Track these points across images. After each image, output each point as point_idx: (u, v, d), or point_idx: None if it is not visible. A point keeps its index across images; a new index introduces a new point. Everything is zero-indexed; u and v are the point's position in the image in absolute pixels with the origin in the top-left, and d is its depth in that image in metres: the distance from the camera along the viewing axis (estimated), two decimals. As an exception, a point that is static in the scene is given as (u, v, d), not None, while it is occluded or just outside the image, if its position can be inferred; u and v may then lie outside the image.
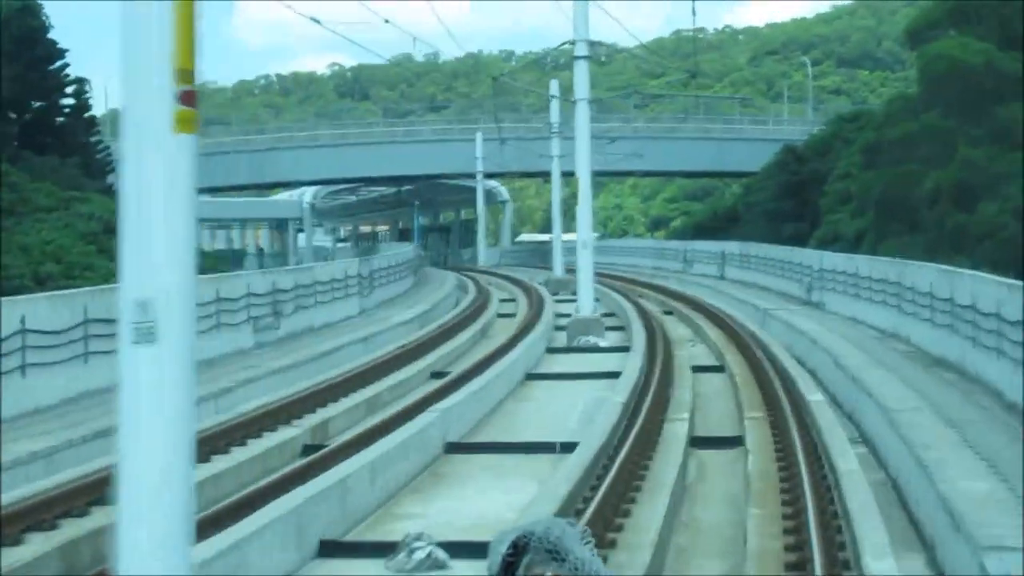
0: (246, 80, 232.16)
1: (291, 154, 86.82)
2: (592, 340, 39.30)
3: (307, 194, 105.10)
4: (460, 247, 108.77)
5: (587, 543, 2.34)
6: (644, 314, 44.58)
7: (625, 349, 34.79)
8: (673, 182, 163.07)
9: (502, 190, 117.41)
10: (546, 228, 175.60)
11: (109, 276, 34.09)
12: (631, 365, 29.09)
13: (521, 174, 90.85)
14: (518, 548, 2.37)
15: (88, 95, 79.63)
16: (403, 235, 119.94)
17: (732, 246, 63.79)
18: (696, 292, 56.40)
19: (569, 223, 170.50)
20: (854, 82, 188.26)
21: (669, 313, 50.53)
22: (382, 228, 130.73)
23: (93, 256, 43.67)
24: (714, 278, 64.89)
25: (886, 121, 53.28)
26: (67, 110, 66.02)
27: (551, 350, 37.86)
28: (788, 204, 68.19)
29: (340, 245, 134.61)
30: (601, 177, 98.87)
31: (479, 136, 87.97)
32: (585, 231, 40.29)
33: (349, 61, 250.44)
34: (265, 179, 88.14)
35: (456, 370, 30.90)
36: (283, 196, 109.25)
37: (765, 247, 56.79)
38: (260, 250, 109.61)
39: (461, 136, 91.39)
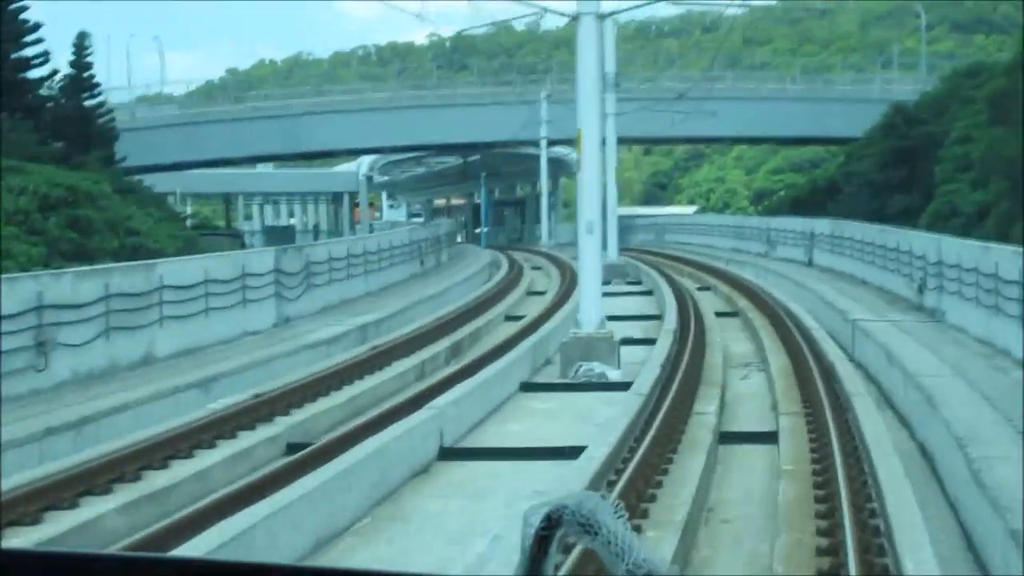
0: (342, 52, 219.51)
1: (328, 120, 73.52)
2: (596, 369, 25.61)
3: (363, 165, 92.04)
4: (537, 222, 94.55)
5: (620, 516, 1.59)
6: (690, 316, 31.52)
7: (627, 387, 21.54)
8: (777, 153, 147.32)
9: (574, 157, 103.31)
10: (647, 201, 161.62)
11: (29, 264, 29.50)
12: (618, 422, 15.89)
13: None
14: (551, 522, 1.64)
15: (89, 50, 67.35)
16: (476, 211, 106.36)
17: (822, 225, 49.41)
18: (771, 284, 42.68)
19: (672, 195, 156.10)
20: (969, 47, 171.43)
21: (732, 315, 36.51)
22: (458, 202, 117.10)
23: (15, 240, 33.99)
24: (800, 264, 50.61)
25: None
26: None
27: (528, 387, 24.59)
28: (896, 173, 55.83)
29: (414, 220, 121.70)
30: (663, 144, 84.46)
31: (543, 99, 74.08)
32: (591, 210, 26.67)
33: (448, 31, 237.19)
34: (300, 148, 74.94)
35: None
36: (344, 168, 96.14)
37: (862, 227, 42.50)
38: (315, 226, 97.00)
39: (524, 100, 77.31)
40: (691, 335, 29.68)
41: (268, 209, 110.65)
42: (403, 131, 76.17)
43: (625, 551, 1.62)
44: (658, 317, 34.35)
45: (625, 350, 27.47)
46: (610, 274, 51.51)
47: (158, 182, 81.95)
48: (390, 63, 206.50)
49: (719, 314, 37.14)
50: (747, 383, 25.22)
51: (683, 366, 24.34)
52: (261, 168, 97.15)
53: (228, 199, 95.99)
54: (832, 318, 32.67)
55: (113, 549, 11.57)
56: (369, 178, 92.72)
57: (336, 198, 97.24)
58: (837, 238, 45.63)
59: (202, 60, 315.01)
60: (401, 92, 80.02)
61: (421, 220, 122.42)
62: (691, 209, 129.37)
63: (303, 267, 32.43)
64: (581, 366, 26.11)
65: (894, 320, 29.73)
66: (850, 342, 29.12)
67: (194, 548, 11.09)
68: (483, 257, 63.39)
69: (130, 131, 74.33)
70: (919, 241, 33.34)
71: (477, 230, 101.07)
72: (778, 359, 26.28)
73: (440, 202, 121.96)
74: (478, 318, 34.76)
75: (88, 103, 65.70)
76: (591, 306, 26.72)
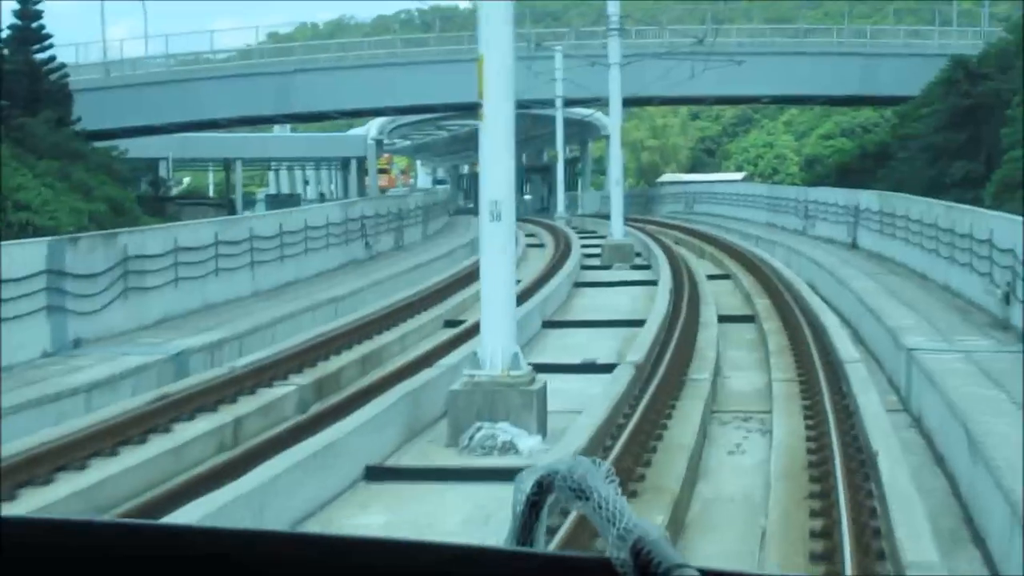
0: (384, 15, 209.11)
1: (322, 78, 63.55)
2: (502, 436, 15.76)
3: (372, 128, 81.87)
4: (565, 190, 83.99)
5: (611, 482, 1.57)
6: (689, 323, 21.76)
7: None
8: (829, 118, 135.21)
9: (606, 122, 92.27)
10: (694, 168, 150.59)
11: None
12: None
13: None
14: (543, 487, 1.67)
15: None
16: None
17: (869, 198, 38.71)
18: (803, 273, 32.25)
19: (719, 162, 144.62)
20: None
21: (746, 320, 26.47)
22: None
23: None
24: (842, 246, 39.97)
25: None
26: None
27: (378, 474, 14.56)
28: (956, 136, 47.64)
29: (439, 187, 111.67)
30: (686, 103, 73.83)
31: (558, 55, 63.84)
32: (498, 184, 16.19)
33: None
34: (291, 109, 64.90)
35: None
36: (358, 131, 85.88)
37: (921, 204, 31.85)
38: (321, 195, 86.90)
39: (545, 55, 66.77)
40: (675, 354, 19.65)
41: (283, 175, 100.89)
42: (406, 91, 66.05)
43: (615, 516, 1.53)
44: (642, 324, 24.25)
45: (574, 384, 17.55)
46: (612, 257, 41.46)
47: (149, 147, 72.64)
48: (433, 27, 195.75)
49: (727, 319, 26.93)
50: (733, 464, 15.02)
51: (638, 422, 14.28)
52: (275, 131, 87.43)
53: (228, 165, 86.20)
54: (878, 337, 22.43)
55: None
56: (379, 142, 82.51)
57: (345, 163, 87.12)
58: (888, 215, 34.97)
59: (247, 25, 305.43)
60: (397, 49, 69.70)
61: (446, 187, 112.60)
62: (739, 176, 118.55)
63: (118, 262, 22.08)
64: (479, 429, 16.08)
65: (969, 349, 19.20)
66: (903, 381, 18.80)
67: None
68: (471, 233, 53.35)
69: (104, 90, 65.11)
70: (1004, 226, 22.57)
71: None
72: (788, 419, 16.03)
73: (470, 168, 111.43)
74: (394, 328, 24.65)
75: (38, 57, 56.55)
76: (498, 335, 16.58)
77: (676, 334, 22.81)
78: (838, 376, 18.16)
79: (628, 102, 76.55)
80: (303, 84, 64.25)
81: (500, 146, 16.65)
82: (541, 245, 50.04)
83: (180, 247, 24.18)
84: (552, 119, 77.15)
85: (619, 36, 44.53)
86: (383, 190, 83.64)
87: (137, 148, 69.02)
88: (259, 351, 20.46)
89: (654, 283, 33.64)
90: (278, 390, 18.28)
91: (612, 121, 46.32)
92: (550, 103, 68.25)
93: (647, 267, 39.50)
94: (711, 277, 35.55)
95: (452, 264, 38.14)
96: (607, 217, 69.37)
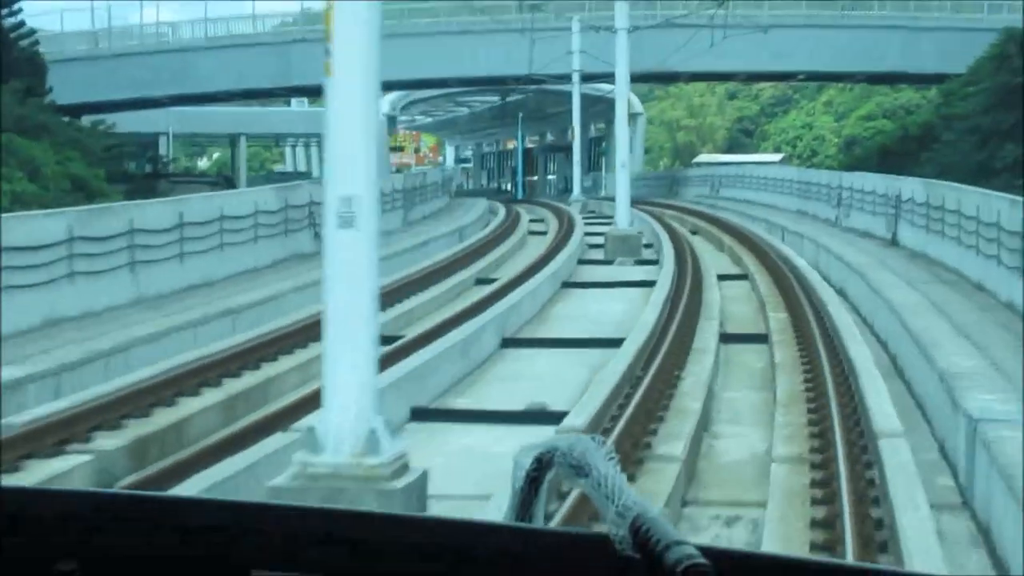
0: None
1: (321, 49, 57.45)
2: None
3: (384, 104, 75.87)
4: (586, 171, 77.74)
5: (611, 459, 1.55)
6: (679, 343, 15.62)
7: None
8: (870, 98, 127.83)
9: (632, 99, 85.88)
10: (731, 148, 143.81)
11: None
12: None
13: (641, 76, 60.53)
14: (542, 463, 1.65)
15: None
16: (527, 156, 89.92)
17: (913, 187, 32.36)
18: (832, 275, 26.37)
19: (757, 143, 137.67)
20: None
21: (757, 340, 20.51)
22: (512, 146, 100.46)
23: None
24: (879, 242, 33.72)
25: None
26: None
27: None
28: (1007, 117, 42.27)
29: (462, 166, 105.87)
30: (705, 79, 67.65)
31: (575, 24, 57.80)
32: (352, 178, 9.94)
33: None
34: (291, 82, 59.05)
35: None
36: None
37: (973, 195, 25.66)
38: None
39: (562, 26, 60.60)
40: (647, 398, 13.85)
41: (300, 152, 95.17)
42: (416, 64, 60.06)
43: (615, 493, 1.52)
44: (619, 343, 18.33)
45: (504, 445, 12.19)
46: (616, 249, 35.40)
47: (147, 122, 67.23)
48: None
49: (732, 339, 21.00)
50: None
51: None
52: (293, 105, 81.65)
53: (233, 141, 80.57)
54: (924, 382, 16.36)
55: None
56: (391, 118, 76.52)
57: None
58: (936, 208, 28.70)
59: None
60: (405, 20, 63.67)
61: (469, 166, 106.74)
62: (777, 157, 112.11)
63: None
64: None
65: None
66: (963, 463, 12.71)
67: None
68: (469, 217, 47.36)
69: (92, 60, 59.58)
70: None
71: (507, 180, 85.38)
72: (786, 527, 10.13)
73: (494, 147, 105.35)
74: (283, 357, 18.67)
75: (6, 22, 51.07)
76: (347, 401, 10.65)
77: (655, 364, 16.90)
78: (868, 455, 12.19)
79: (651, 77, 70.52)
80: (304, 55, 58.43)
81: (356, 114, 10.82)
82: (543, 233, 44.04)
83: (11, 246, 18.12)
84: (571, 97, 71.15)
85: (627, -1, 38.52)
86: (400, 169, 77.93)
87: (136, 123, 63.74)
88: (74, 394, 14.52)
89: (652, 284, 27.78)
90: (57, 463, 12.36)
91: (618, 94, 40.43)
92: (568, 79, 62.30)
93: (655, 263, 33.44)
94: (724, 278, 29.60)
95: (422, 258, 32.19)
96: (637, 201, 63.47)
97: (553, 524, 6.44)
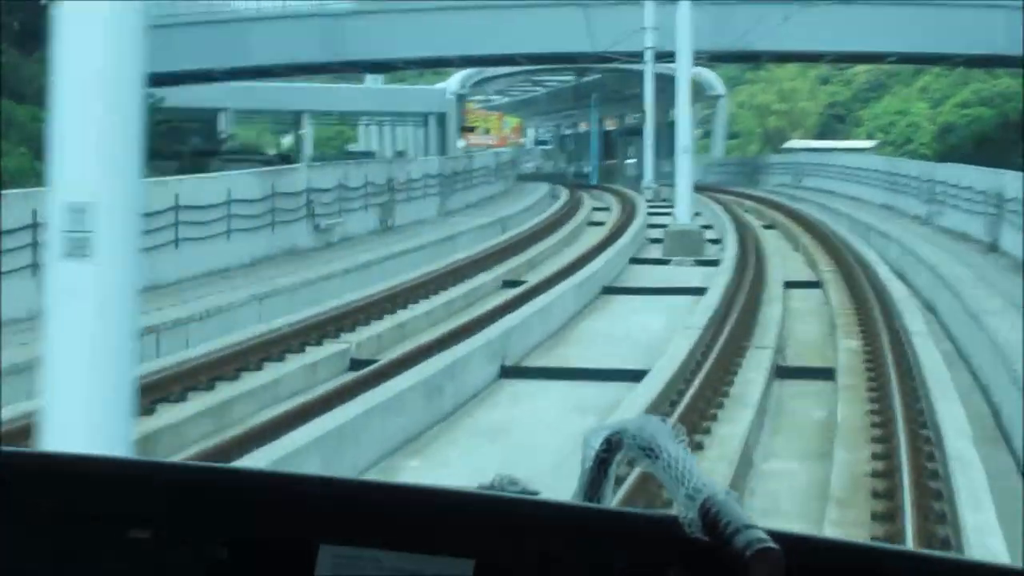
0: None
1: (378, 22, 53.21)
2: None
3: (453, 82, 71.36)
4: (661, 156, 72.53)
5: (680, 441, 1.53)
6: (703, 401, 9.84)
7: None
8: (967, 85, 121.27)
9: (712, 80, 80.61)
10: (822, 135, 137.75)
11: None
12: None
13: (720, 55, 55.78)
14: (611, 445, 1.62)
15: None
16: (605, 139, 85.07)
17: (1019, 185, 27.10)
18: (920, 286, 21.50)
19: (849, 129, 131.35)
20: None
21: (820, 377, 15.45)
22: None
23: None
24: (977, 246, 28.63)
25: None
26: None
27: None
28: None
29: (541, 148, 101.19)
30: (765, 59, 62.16)
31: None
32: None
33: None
34: (345, 56, 54.52)
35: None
36: (443, 85, 75.28)
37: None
38: (398, 153, 76.49)
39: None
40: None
41: (372, 131, 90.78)
42: (480, 39, 55.39)
43: (684, 475, 1.49)
44: (641, 376, 13.77)
45: None
46: (676, 248, 30.68)
47: (206, 98, 63.36)
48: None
49: (790, 373, 16.34)
50: None
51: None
52: (367, 82, 77.42)
53: (298, 119, 76.32)
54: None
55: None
56: (460, 96, 71.89)
57: (423, 120, 76.58)
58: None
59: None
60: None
61: (549, 148, 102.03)
62: (870, 143, 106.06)
63: None
64: None
65: None
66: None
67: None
68: (520, 204, 42.69)
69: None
70: None
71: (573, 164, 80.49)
72: None
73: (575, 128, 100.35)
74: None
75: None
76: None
77: (680, 410, 12.34)
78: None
79: (730, 57, 65.26)
80: (359, 28, 54.07)
81: (96, 63, 6.29)
82: (602, 224, 39.34)
83: None
84: (656, 77, 66.16)
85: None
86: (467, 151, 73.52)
87: (194, 98, 60.00)
88: None
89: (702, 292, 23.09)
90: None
91: (679, 69, 35.61)
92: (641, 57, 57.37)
93: (717, 263, 28.69)
94: (794, 285, 24.89)
95: (443, 255, 27.66)
96: (709, 189, 58.60)
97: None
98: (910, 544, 8.74)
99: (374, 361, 16.49)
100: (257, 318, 17.87)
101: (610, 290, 25.05)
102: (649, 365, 15.51)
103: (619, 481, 8.49)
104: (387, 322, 19.14)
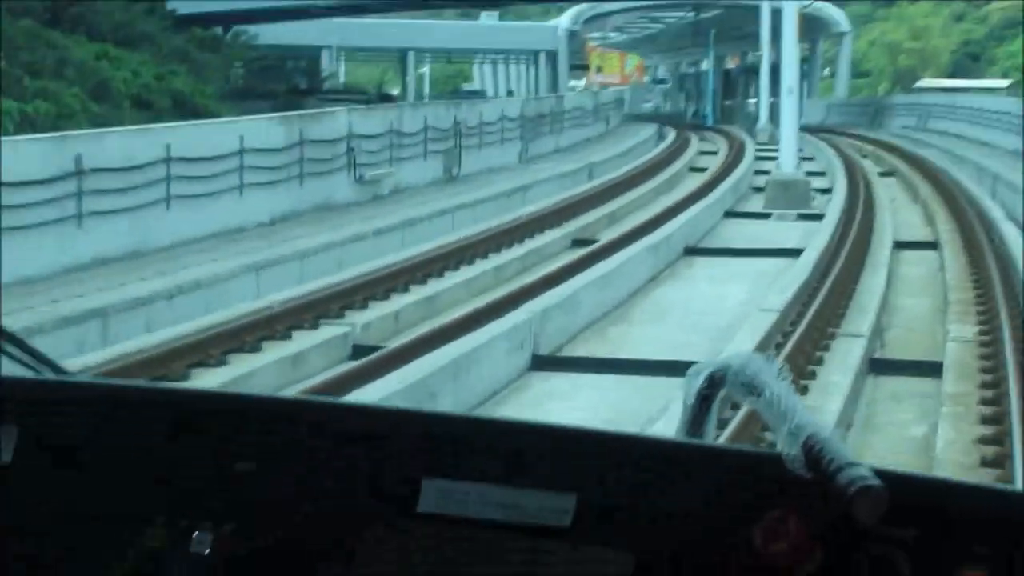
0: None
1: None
2: None
3: (565, 18, 67.64)
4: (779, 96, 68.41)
5: (784, 378, 1.52)
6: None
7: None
8: None
9: (837, 17, 75.76)
10: (954, 73, 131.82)
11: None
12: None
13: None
14: (714, 382, 1.63)
15: None
16: (725, 78, 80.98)
17: None
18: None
19: (983, 68, 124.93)
20: None
21: (926, 373, 11.99)
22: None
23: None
24: None
25: None
26: None
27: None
28: None
29: (659, 87, 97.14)
30: None
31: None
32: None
33: None
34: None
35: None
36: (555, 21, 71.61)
37: None
38: (509, 91, 73.22)
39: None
40: None
41: (487, 69, 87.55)
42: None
43: (788, 412, 1.47)
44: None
45: None
46: (778, 199, 27.25)
47: (306, 35, 60.72)
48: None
49: (884, 366, 13.09)
50: None
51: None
52: (483, 18, 74.32)
53: (403, 57, 73.20)
54: None
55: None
56: (572, 33, 68.14)
57: (532, 58, 73.03)
58: None
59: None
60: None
61: (667, 87, 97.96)
62: (1004, 83, 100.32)
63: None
64: None
65: None
66: None
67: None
68: (619, 147, 39.11)
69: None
70: None
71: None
72: None
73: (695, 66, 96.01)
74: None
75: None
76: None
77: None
78: None
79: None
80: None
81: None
82: (703, 169, 35.88)
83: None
84: (774, 12, 61.92)
85: None
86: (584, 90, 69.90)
87: (297, 36, 57.56)
88: None
89: (796, 254, 19.75)
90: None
91: (787, 4, 31.87)
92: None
93: (820, 218, 25.19)
94: (905, 246, 21.46)
95: (512, 207, 24.47)
96: (827, 131, 54.60)
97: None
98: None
99: (380, 348, 13.50)
100: (249, 293, 14.98)
101: (693, 251, 21.77)
102: (708, 358, 12.25)
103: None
104: (412, 295, 16.10)
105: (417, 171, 27.05)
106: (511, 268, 18.91)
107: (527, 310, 13.76)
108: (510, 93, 71.81)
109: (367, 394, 10.57)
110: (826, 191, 29.89)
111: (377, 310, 15.18)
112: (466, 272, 17.84)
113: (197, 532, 1.69)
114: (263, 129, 21.08)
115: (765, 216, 26.98)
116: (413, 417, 1.74)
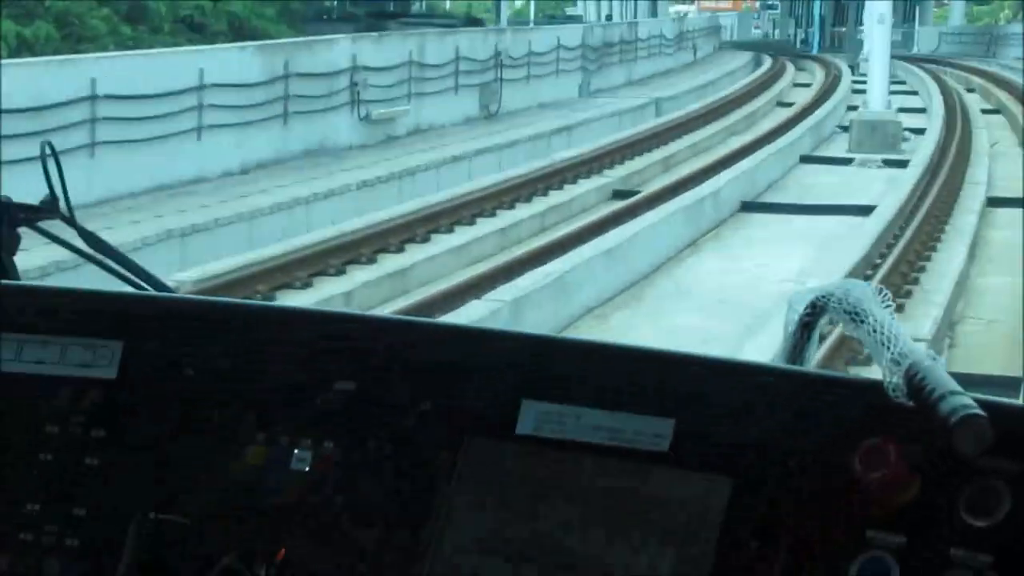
0: None
1: None
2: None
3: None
4: (898, 23, 63.71)
5: (887, 306, 1.51)
6: None
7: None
8: None
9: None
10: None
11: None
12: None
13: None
14: (815, 308, 1.61)
15: None
16: (837, 2, 76.55)
17: None
18: None
19: None
20: None
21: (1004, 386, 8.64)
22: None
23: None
24: None
25: None
26: None
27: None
28: None
29: (768, 13, 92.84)
30: None
31: None
32: None
33: None
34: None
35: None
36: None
37: None
38: (607, 18, 69.47)
39: None
40: None
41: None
42: None
43: (890, 340, 1.44)
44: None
45: None
46: (864, 141, 23.94)
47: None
48: None
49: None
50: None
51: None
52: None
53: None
54: None
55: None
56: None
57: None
58: None
59: None
60: None
61: (776, 13, 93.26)
62: None
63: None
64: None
65: None
66: None
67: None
68: (666, 88, 35.26)
69: None
70: None
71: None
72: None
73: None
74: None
75: None
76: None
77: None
78: None
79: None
80: None
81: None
82: (789, 104, 32.40)
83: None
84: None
85: None
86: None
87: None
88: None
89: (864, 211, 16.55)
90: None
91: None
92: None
93: (905, 164, 21.76)
94: (999, 202, 18.23)
95: (531, 156, 21.22)
96: (934, 62, 50.43)
97: None
98: None
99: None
100: (158, 269, 12.17)
101: (750, 206, 18.57)
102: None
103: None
104: (387, 264, 13.14)
105: (445, 108, 23.83)
106: (526, 227, 15.88)
107: (493, 299, 10.75)
108: (608, 19, 68.16)
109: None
110: (919, 131, 26.35)
111: (333, 286, 12.28)
112: (452, 239, 14.74)
113: (297, 450, 1.70)
114: (233, 60, 17.99)
115: (846, 162, 23.60)
116: (513, 339, 1.74)
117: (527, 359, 1.67)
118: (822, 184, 21.04)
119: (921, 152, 21.82)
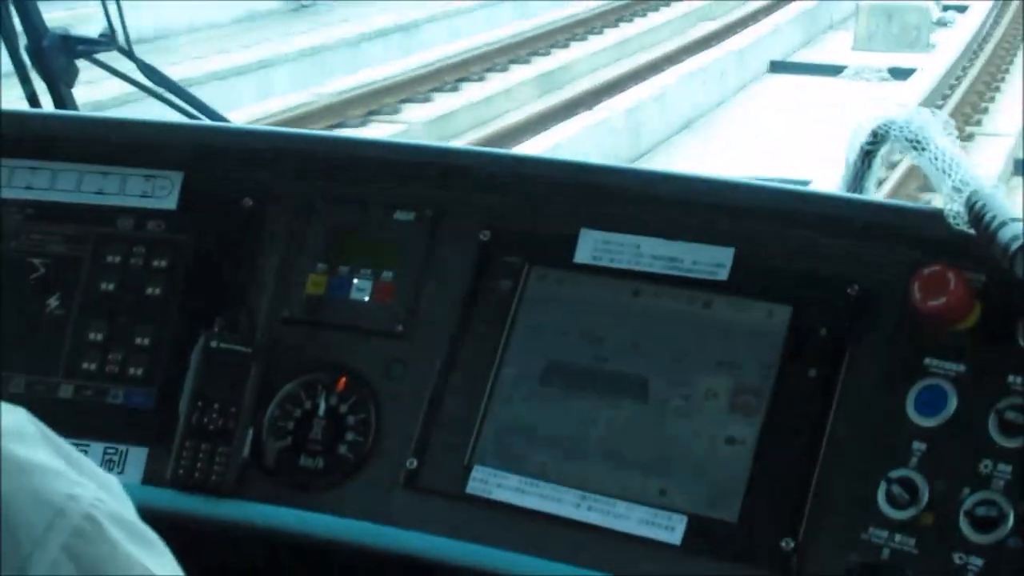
0: None
1: None
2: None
3: None
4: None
5: (950, 134, 1.48)
6: None
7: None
8: None
9: None
10: None
11: None
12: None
13: None
14: (877, 137, 1.59)
15: None
16: None
17: None
18: None
19: None
20: None
21: None
22: None
23: None
24: None
25: None
26: None
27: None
28: None
29: None
30: None
31: None
32: None
33: None
34: None
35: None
36: None
37: None
38: None
39: None
40: None
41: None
42: None
43: (951, 168, 1.41)
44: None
45: None
46: (873, 35, 18.31)
47: None
48: None
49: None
50: None
51: None
52: None
53: None
54: None
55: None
56: None
57: None
58: None
59: None
60: None
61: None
62: None
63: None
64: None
65: None
66: None
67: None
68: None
69: None
70: None
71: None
72: None
73: None
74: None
75: None
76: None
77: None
78: None
79: None
80: None
81: None
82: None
83: None
84: None
85: None
86: None
87: None
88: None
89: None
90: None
91: None
92: None
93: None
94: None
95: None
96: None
97: None
98: None
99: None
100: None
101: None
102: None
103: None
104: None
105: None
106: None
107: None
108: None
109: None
110: (943, 24, 20.80)
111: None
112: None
113: (357, 280, 1.70)
114: None
115: (839, 70, 16.12)
116: (572, 167, 1.70)
117: (587, 187, 1.65)
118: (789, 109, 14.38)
119: (945, 55, 15.74)
